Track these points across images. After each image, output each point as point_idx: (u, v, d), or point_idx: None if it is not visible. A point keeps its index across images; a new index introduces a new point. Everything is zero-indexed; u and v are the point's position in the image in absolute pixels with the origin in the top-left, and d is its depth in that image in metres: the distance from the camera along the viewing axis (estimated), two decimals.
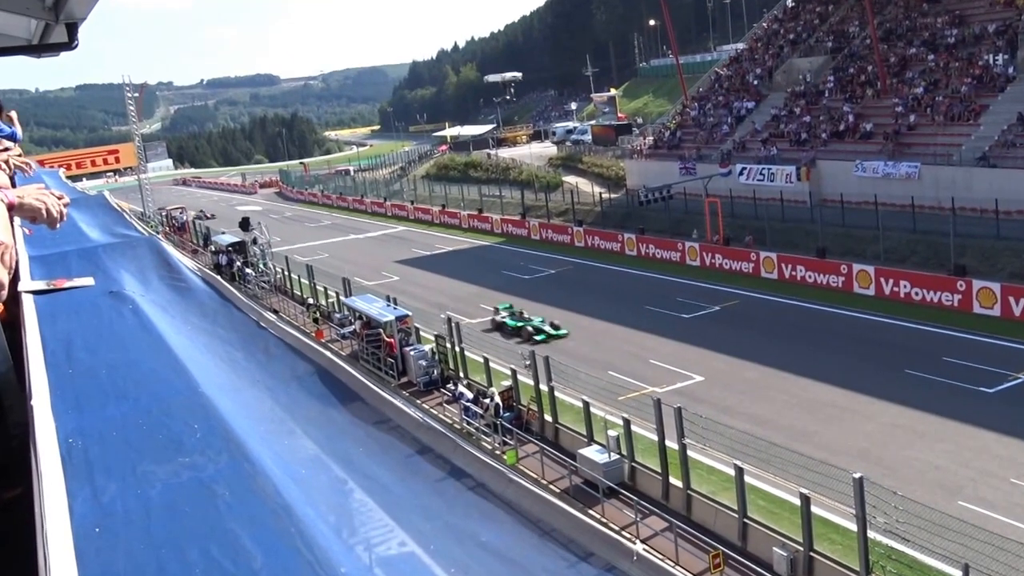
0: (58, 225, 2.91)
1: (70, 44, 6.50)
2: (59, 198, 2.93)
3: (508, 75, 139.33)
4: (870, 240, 38.07)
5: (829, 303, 33.90)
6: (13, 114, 7.65)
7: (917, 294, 32.57)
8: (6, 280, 2.18)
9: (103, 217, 11.02)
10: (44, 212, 2.80)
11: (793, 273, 37.23)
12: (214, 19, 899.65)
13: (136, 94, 72.14)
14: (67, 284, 3.23)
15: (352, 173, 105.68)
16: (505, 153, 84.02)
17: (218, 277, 9.82)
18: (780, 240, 41.26)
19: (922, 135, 42.60)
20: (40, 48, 6.81)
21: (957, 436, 21.89)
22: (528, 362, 25.76)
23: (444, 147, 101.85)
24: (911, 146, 42.54)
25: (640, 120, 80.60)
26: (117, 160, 73.37)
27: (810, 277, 36.59)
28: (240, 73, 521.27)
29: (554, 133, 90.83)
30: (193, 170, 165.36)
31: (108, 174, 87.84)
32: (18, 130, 7.44)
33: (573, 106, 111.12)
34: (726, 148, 51.70)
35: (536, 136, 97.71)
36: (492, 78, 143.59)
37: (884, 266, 34.62)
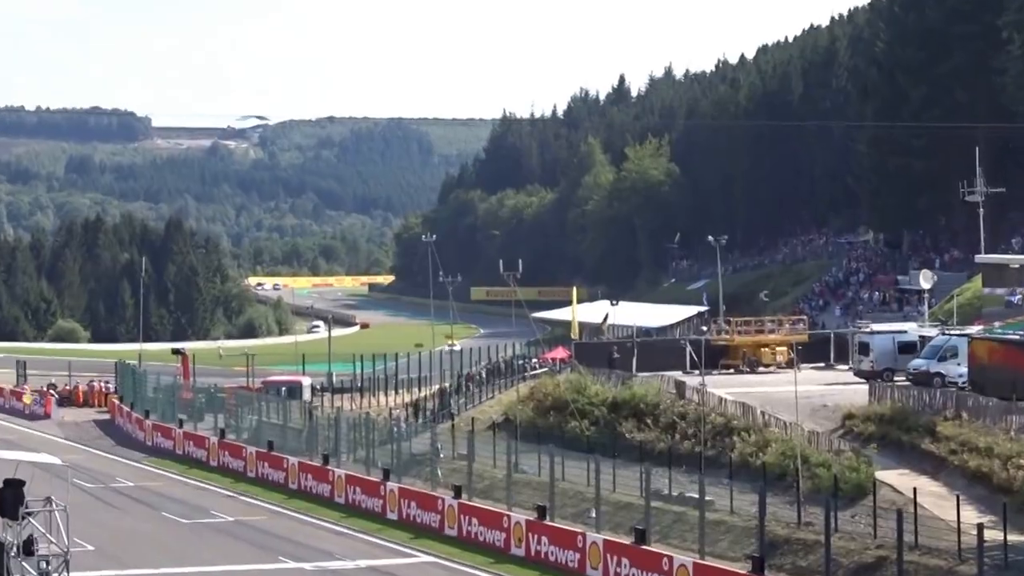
0: None
1: None
2: None
3: None
4: None
5: None
6: None
7: None
8: None
9: None
10: None
11: None
12: None
13: None
14: None
15: (309, 396, 49.70)
16: (723, 389, 35.72)
17: None
18: None
19: None
20: None
21: None
22: None
23: (560, 352, 48.33)
24: None
25: None
26: None
27: None
28: (58, 104, 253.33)
29: (866, 347, 39.26)
30: None
31: None
32: None
33: (923, 281, 45.89)
34: None
35: (814, 348, 44.24)
36: None
37: None
